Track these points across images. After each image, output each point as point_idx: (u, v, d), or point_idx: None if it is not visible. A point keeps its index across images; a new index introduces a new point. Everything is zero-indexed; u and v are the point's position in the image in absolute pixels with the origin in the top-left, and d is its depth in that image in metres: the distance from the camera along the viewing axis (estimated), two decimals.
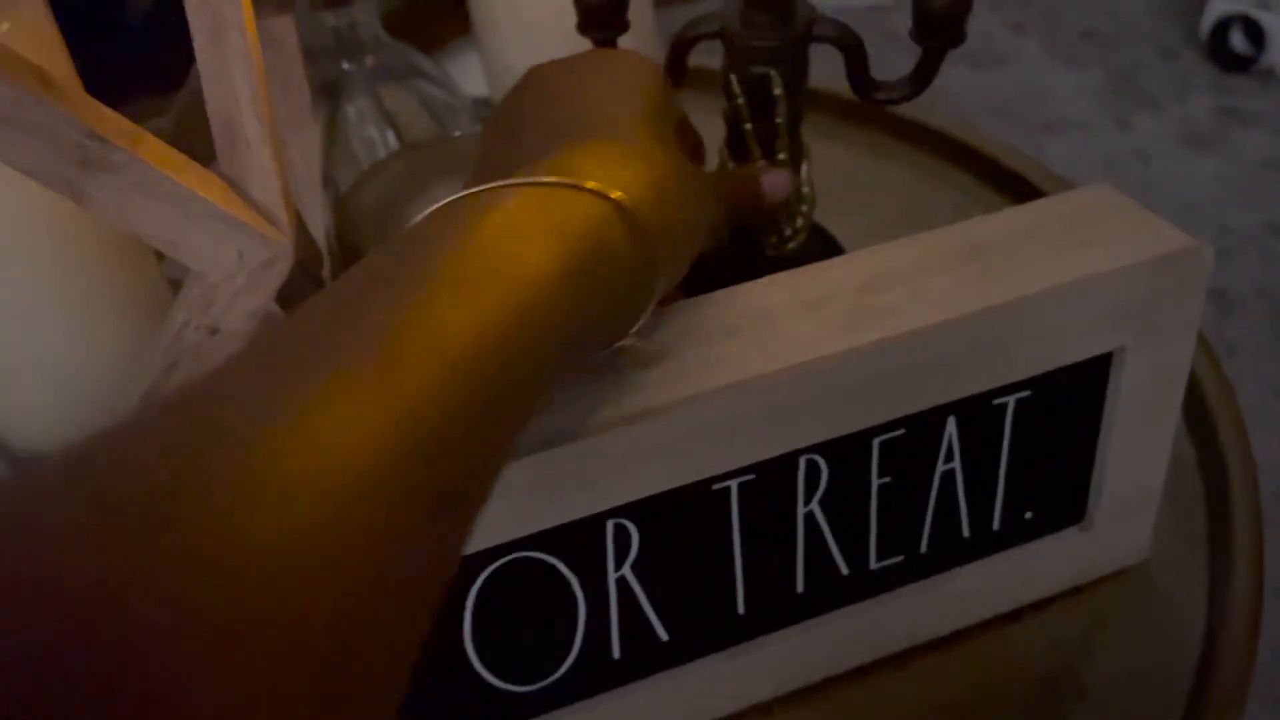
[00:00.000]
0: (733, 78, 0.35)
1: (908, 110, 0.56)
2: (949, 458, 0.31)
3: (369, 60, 0.43)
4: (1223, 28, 1.32)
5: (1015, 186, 0.53)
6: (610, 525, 0.28)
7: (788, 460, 0.29)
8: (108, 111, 0.27)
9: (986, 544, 0.33)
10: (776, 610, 0.32)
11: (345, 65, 0.43)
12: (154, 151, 0.27)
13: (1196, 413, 0.40)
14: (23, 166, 0.25)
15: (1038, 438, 0.32)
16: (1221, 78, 1.33)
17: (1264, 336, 0.94)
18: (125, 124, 0.27)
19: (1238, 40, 1.31)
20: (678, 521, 0.29)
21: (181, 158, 0.28)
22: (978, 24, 1.47)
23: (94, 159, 0.25)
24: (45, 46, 0.32)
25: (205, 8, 0.28)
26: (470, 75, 0.55)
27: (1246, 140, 1.22)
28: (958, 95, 1.36)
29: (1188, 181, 1.16)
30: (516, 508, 0.27)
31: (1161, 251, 0.30)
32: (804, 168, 0.37)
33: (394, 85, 0.44)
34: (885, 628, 0.33)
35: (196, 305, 0.28)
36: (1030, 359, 0.30)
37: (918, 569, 0.33)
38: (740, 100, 0.35)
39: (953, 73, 1.37)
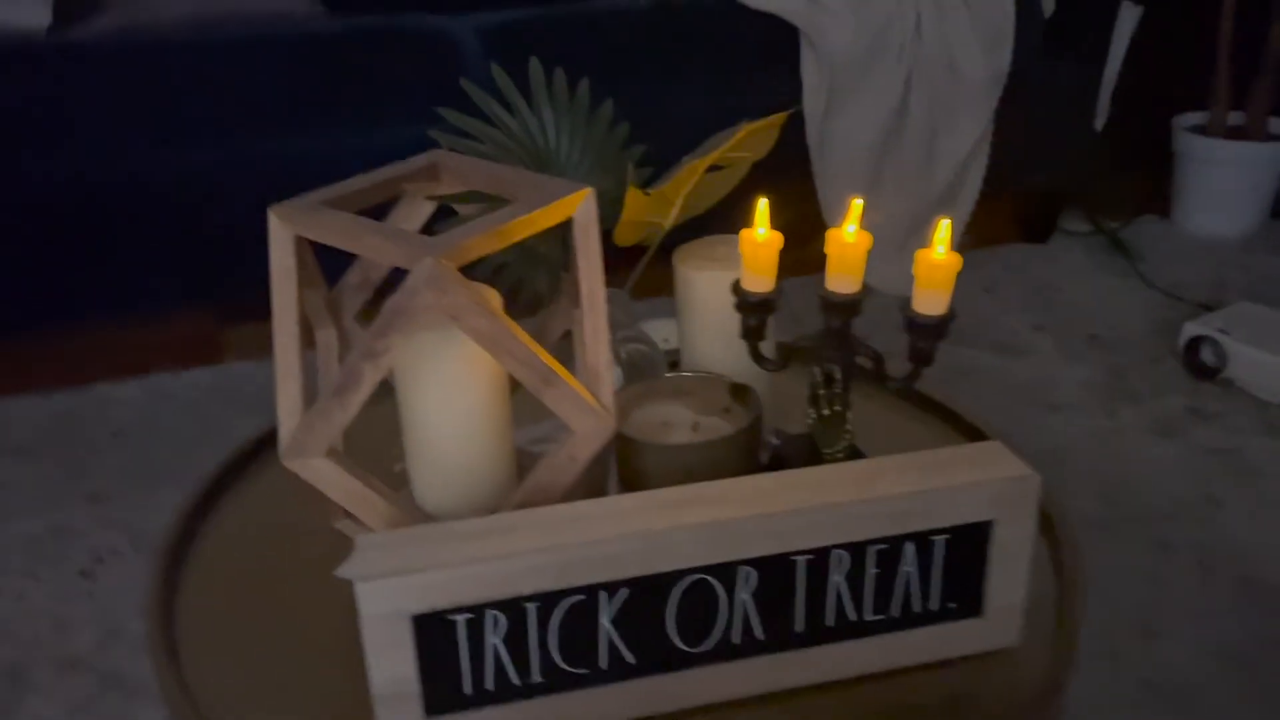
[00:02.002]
0: (816, 369, 0.70)
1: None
2: (908, 563, 0.63)
3: (617, 333, 0.79)
4: (1194, 344, 1.67)
5: (968, 432, 0.86)
6: (741, 570, 0.60)
7: (825, 552, 0.61)
8: (548, 357, 0.62)
9: (926, 618, 0.64)
10: (819, 632, 0.63)
11: None
12: (563, 374, 0.62)
13: (1058, 563, 0.72)
14: (519, 376, 0.60)
15: (956, 561, 0.63)
16: (1193, 384, 1.67)
17: (1192, 577, 1.24)
18: (551, 361, 0.62)
19: (1207, 355, 1.66)
20: (777, 575, 0.61)
21: (571, 378, 0.63)
22: (1007, 321, 1.87)
23: (549, 379, 0.60)
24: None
25: (587, 284, 0.63)
26: (667, 332, 0.90)
27: (1204, 433, 1.54)
28: (984, 374, 1.71)
29: (1152, 459, 1.48)
30: (697, 552, 0.59)
31: (1013, 474, 0.62)
32: (848, 416, 0.71)
33: (626, 344, 0.80)
34: (842, 662, 0.63)
35: (573, 446, 0.62)
36: (948, 518, 0.62)
37: (884, 626, 0.64)
38: (819, 379, 0.70)
39: (983, 357, 1.74)
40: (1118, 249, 2.15)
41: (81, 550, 1.31)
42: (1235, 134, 2.23)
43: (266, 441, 0.86)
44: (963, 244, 1.99)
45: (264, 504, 0.81)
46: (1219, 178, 2.23)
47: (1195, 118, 2.31)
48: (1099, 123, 2.20)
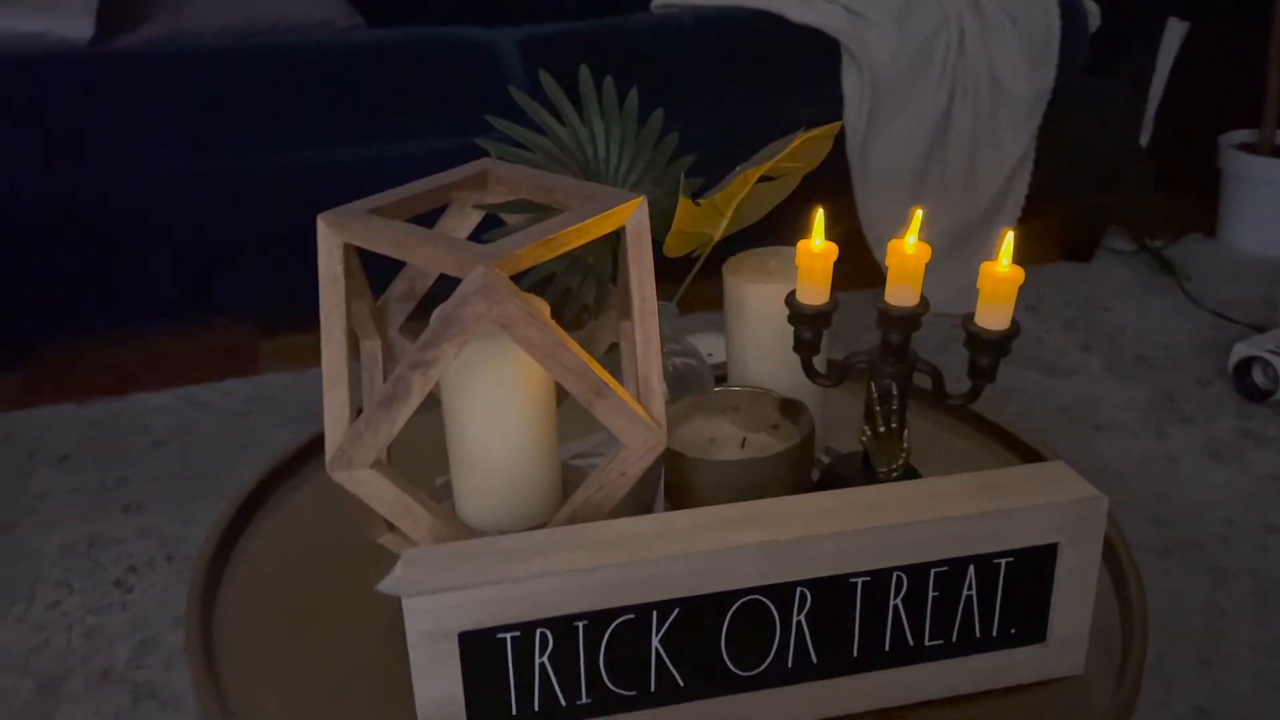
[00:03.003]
0: (872, 384, 0.68)
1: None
2: (969, 587, 0.61)
3: (665, 346, 0.77)
4: (1245, 366, 1.63)
5: (1023, 453, 0.84)
6: (797, 591, 0.58)
7: (885, 574, 0.59)
8: (599, 368, 0.60)
9: (987, 644, 0.62)
10: (876, 656, 0.60)
11: None
12: (614, 385, 0.60)
13: (1121, 589, 0.69)
14: (570, 387, 0.58)
15: (1018, 585, 0.61)
16: (1244, 406, 1.63)
17: (1249, 605, 1.20)
18: (602, 373, 0.60)
19: (1258, 376, 1.62)
20: (833, 597, 0.58)
21: (622, 390, 0.61)
22: (1053, 341, 1.83)
23: (600, 390, 0.59)
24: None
25: (639, 294, 0.62)
26: (710, 346, 0.89)
27: (1259, 457, 1.50)
28: (1031, 394, 1.68)
29: (1205, 484, 1.44)
30: (752, 572, 0.57)
31: (1078, 496, 0.60)
32: (905, 434, 0.69)
33: (672, 358, 0.78)
34: (900, 688, 0.61)
35: (623, 461, 0.60)
36: (1012, 540, 0.60)
37: (943, 652, 0.61)
38: (875, 396, 0.68)
39: (1029, 376, 1.71)
40: (1164, 268, 2.11)
41: (118, 560, 1.30)
42: None
43: (305, 452, 0.85)
44: None
45: (304, 517, 0.80)
46: (1267, 196, 2.18)
47: (1242, 135, 2.27)
48: (1144, 139, 2.16)
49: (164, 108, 1.58)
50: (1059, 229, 2.17)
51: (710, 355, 0.91)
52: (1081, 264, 2.15)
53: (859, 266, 1.83)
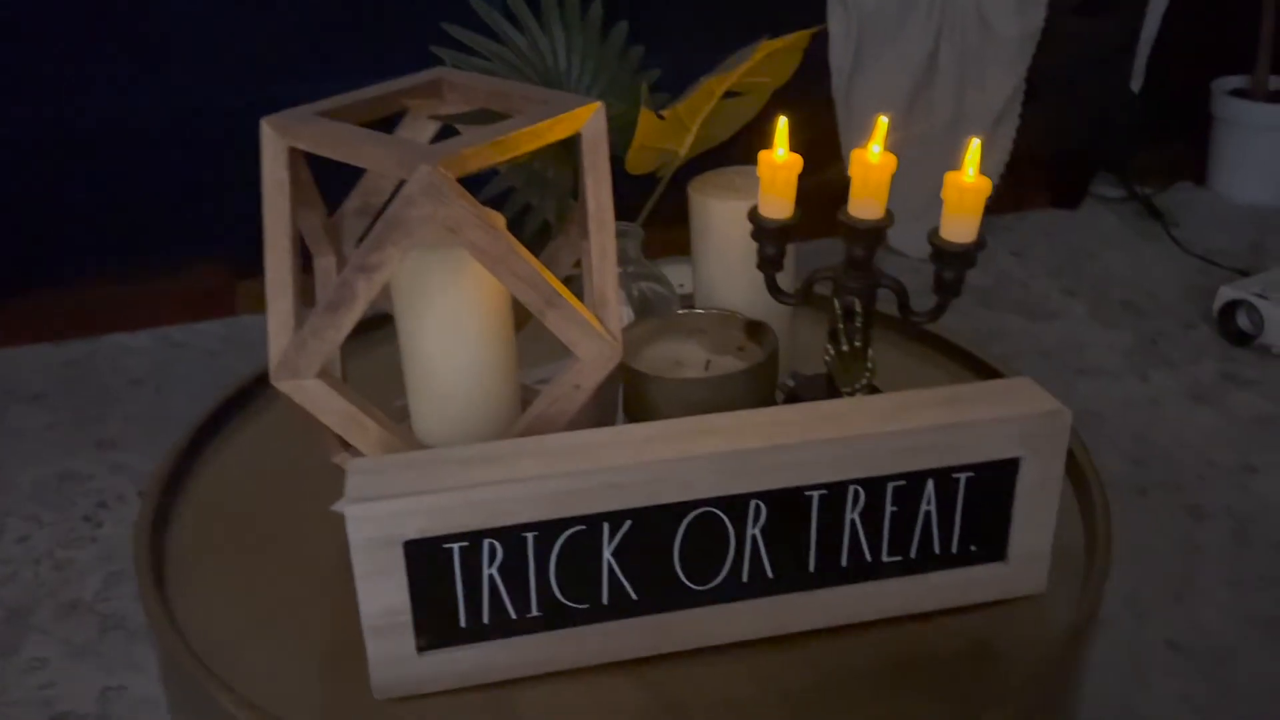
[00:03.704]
0: (836, 301, 0.66)
1: (932, 329, 0.87)
2: (928, 502, 0.59)
3: (629, 268, 0.75)
4: (1230, 309, 1.62)
5: (987, 371, 0.83)
6: (752, 503, 0.57)
7: (842, 487, 0.58)
8: (551, 278, 0.58)
9: (947, 561, 0.61)
10: (833, 572, 0.59)
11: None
12: (568, 296, 0.58)
13: (1086, 509, 0.68)
14: (521, 296, 0.57)
15: (979, 501, 0.60)
16: (1228, 349, 1.62)
17: (1225, 542, 1.20)
18: (555, 282, 0.58)
19: (1242, 320, 1.61)
20: (789, 510, 0.57)
21: (576, 301, 0.59)
22: (1037, 286, 1.82)
23: (553, 300, 0.57)
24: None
25: (595, 202, 0.60)
26: (683, 275, 0.87)
27: (1240, 400, 1.50)
28: (1013, 337, 1.67)
29: (1186, 425, 1.44)
30: (706, 483, 0.56)
31: (1042, 409, 0.59)
32: (869, 352, 0.68)
33: (639, 282, 0.77)
34: (856, 605, 0.60)
35: (577, 374, 0.59)
36: (973, 454, 0.59)
37: (902, 568, 0.60)
38: (839, 313, 0.66)
39: (1012, 320, 1.70)
40: (1152, 214, 2.09)
41: (88, 495, 1.29)
42: (1277, 98, 2.16)
43: (264, 380, 0.84)
44: (989, 208, 1.94)
45: (262, 443, 0.78)
46: (1258, 142, 2.16)
47: (1235, 81, 2.24)
48: (1135, 85, 2.14)
49: (127, 42, 1.55)
50: (1046, 175, 2.15)
51: (681, 286, 0.90)
52: (1069, 211, 2.14)
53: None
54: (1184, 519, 1.24)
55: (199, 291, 1.79)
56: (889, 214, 0.64)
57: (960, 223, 0.61)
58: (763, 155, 0.64)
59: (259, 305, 1.77)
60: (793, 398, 0.72)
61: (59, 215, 1.61)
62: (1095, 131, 2.12)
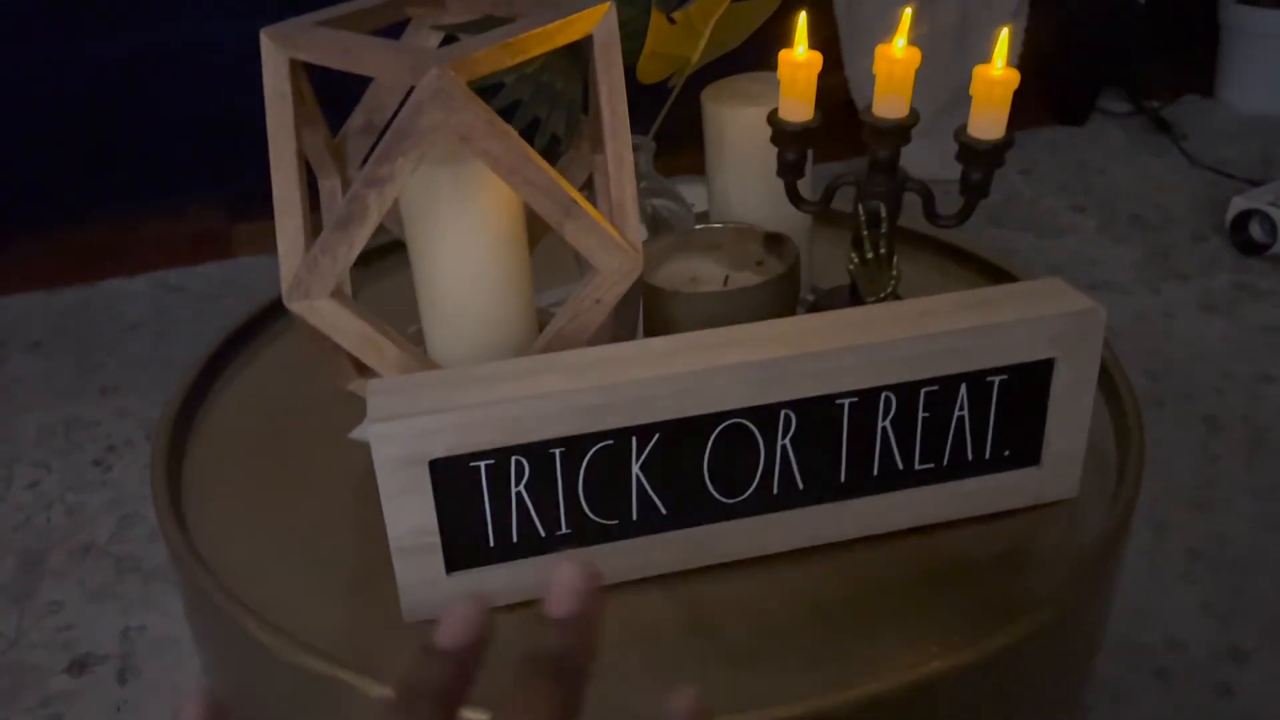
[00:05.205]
0: (860, 206, 0.64)
1: (954, 238, 0.85)
2: (961, 407, 0.58)
3: (642, 184, 0.73)
4: (1243, 219, 1.60)
5: (1009, 279, 0.81)
6: (781, 413, 0.56)
7: (873, 394, 0.56)
8: (569, 186, 0.56)
9: (980, 467, 0.60)
10: (864, 482, 0.58)
11: None
12: (586, 206, 0.56)
13: (1116, 411, 0.67)
14: (538, 206, 0.55)
15: (1012, 405, 0.59)
16: (1240, 260, 1.60)
17: (1241, 451, 1.19)
18: (572, 191, 0.56)
19: (1255, 230, 1.59)
20: (819, 419, 0.56)
21: (594, 211, 0.57)
22: (1047, 203, 1.79)
23: (570, 210, 0.55)
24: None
25: (609, 109, 0.58)
26: (696, 195, 0.85)
27: (1254, 310, 1.48)
28: (1023, 255, 1.65)
29: (1200, 337, 1.42)
30: (734, 395, 0.54)
31: (1075, 308, 0.57)
32: (894, 259, 0.66)
33: (652, 199, 0.75)
34: (889, 514, 0.59)
35: (597, 287, 0.57)
36: (1006, 356, 0.57)
37: (934, 476, 0.59)
38: (863, 219, 0.64)
39: (1022, 238, 1.68)
40: (1160, 128, 2.06)
41: (96, 441, 1.28)
42: None
43: (274, 310, 0.82)
44: None
45: (271, 374, 0.77)
46: (1267, 50, 2.12)
47: None
48: None
49: None
50: (1052, 91, 2.11)
51: (694, 206, 0.87)
52: (1075, 127, 2.10)
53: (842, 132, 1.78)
54: (1201, 429, 1.23)
55: (196, 234, 1.76)
56: (914, 112, 0.61)
57: (989, 118, 0.59)
58: (783, 54, 0.62)
59: (257, 248, 1.75)
60: (815, 311, 0.70)
61: (48, 160, 1.58)
62: (1102, 45, 2.08)
